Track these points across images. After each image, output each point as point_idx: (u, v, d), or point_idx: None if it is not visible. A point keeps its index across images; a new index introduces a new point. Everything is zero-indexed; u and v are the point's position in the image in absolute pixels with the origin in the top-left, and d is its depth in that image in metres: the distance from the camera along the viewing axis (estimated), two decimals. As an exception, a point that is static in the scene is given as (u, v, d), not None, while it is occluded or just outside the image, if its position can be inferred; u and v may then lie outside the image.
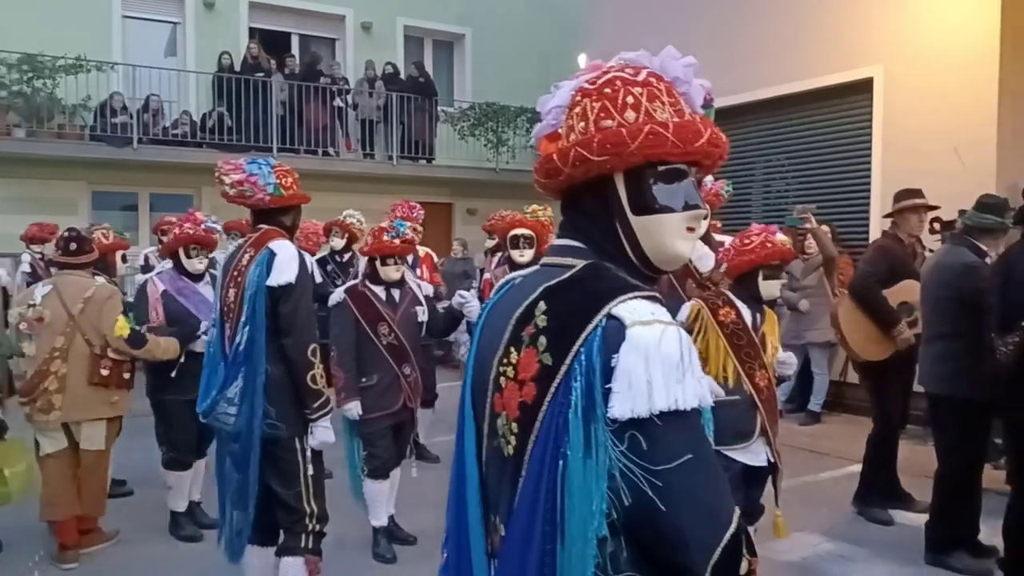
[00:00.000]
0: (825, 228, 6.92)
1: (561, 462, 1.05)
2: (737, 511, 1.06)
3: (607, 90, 1.17)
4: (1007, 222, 4.18)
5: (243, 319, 3.06)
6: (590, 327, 1.06)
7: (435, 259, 7.15)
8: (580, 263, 1.16)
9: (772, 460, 3.41)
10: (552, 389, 1.07)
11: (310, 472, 3.13)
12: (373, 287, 4.37)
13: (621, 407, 1.02)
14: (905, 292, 4.80)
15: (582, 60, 11.20)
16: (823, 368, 7.70)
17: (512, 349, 1.14)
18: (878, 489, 5.02)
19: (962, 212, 4.53)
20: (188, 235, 4.54)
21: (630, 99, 1.16)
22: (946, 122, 7.11)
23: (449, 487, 1.31)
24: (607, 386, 1.03)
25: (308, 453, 3.12)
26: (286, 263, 3.06)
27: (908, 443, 5.85)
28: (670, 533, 1.01)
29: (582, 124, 1.17)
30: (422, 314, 4.48)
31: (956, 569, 4.13)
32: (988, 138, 6.88)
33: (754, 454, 3.38)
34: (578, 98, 1.20)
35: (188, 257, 4.58)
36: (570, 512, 1.04)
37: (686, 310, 3.43)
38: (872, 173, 7.89)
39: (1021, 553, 3.67)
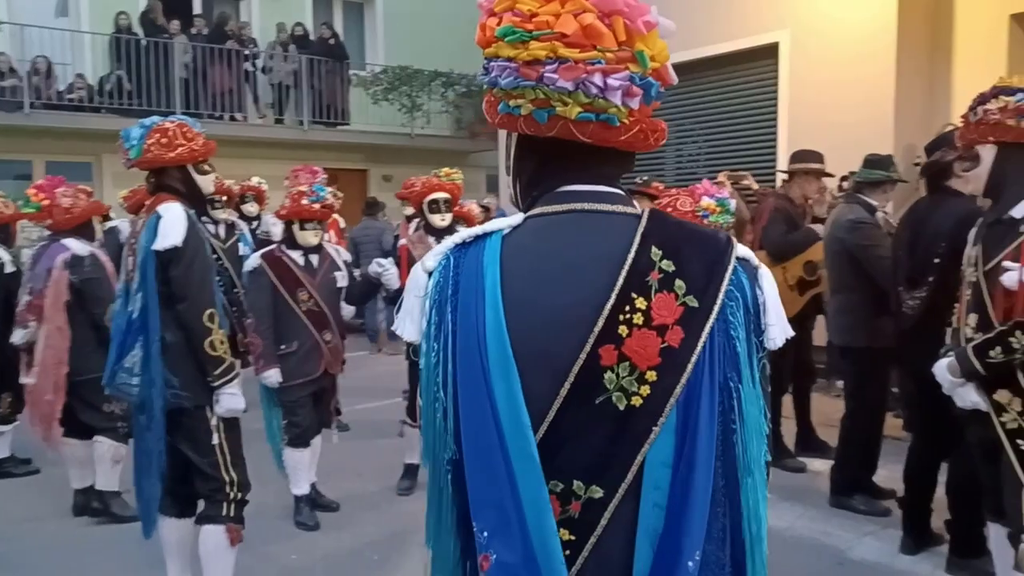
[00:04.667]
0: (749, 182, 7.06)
1: (735, 396, 1.10)
2: None
3: None
4: (892, 175, 4.39)
5: (135, 286, 2.96)
6: (730, 267, 1.11)
7: (342, 224, 7.07)
8: (634, 208, 1.17)
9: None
10: (707, 328, 1.08)
11: (221, 441, 3.04)
12: (291, 252, 4.28)
13: (777, 337, 1.14)
14: (810, 251, 5.00)
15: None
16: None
17: (636, 296, 1.08)
18: (800, 439, 5.34)
19: (852, 173, 4.76)
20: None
21: None
22: (848, 87, 7.37)
23: (474, 473, 1.12)
24: (762, 320, 1.13)
25: (216, 421, 3.03)
26: (171, 226, 2.91)
27: (818, 394, 6.11)
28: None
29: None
30: (341, 279, 4.42)
31: (858, 510, 4.38)
32: (887, 102, 7.16)
33: None
34: None
35: None
36: (752, 443, 1.11)
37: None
38: (778, 136, 8.12)
39: (919, 495, 3.91)
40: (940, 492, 3.79)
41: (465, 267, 1.16)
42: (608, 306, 1.08)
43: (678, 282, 1.09)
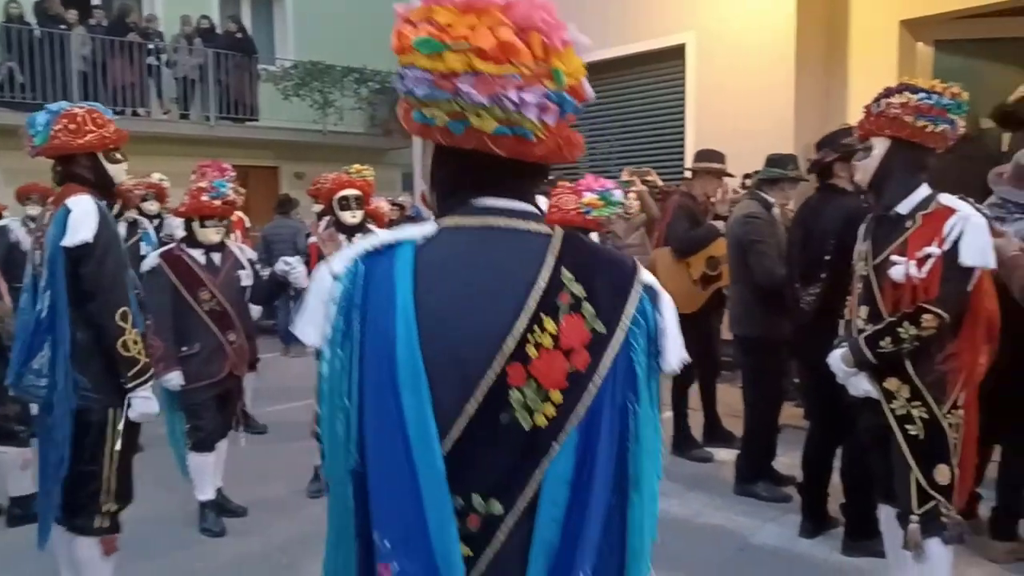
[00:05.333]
0: (654, 178, 7.21)
1: (632, 418, 1.14)
2: None
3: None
4: (788, 172, 4.55)
5: (43, 284, 2.81)
6: (635, 293, 1.15)
7: (247, 223, 6.91)
8: (546, 227, 1.19)
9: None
10: (611, 353, 1.12)
11: (118, 447, 2.90)
12: (191, 251, 4.14)
13: (673, 360, 1.18)
14: (712, 247, 5.14)
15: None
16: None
17: (545, 317, 1.10)
18: (707, 430, 5.47)
19: (756, 172, 4.93)
20: None
21: None
22: (750, 87, 7.62)
23: (378, 484, 1.13)
24: (659, 344, 1.17)
25: (121, 426, 2.90)
26: (80, 220, 2.77)
27: (726, 386, 6.29)
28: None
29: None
30: (246, 278, 4.30)
31: (760, 497, 4.53)
32: (787, 102, 7.44)
33: None
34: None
35: None
36: (643, 462, 1.15)
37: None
38: (686, 135, 8.33)
39: (816, 481, 4.07)
40: (837, 478, 3.95)
41: (376, 276, 1.14)
42: (519, 326, 1.10)
43: (587, 306, 1.12)
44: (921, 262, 2.68)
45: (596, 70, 9.17)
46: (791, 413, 5.12)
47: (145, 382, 2.92)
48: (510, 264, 1.14)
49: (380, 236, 1.20)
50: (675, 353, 1.18)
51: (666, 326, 1.17)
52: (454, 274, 1.14)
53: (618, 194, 3.46)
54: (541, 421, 1.10)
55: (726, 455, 5.14)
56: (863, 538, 3.70)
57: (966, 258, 2.63)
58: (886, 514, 3.06)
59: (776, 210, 4.55)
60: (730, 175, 5.41)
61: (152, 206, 6.47)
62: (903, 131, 2.75)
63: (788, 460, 4.63)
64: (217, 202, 4.11)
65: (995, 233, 3.24)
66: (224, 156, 9.69)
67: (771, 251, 4.30)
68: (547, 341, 1.10)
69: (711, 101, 8.00)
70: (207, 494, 4.23)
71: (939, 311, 2.66)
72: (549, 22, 1.08)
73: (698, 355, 5.34)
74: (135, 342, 2.88)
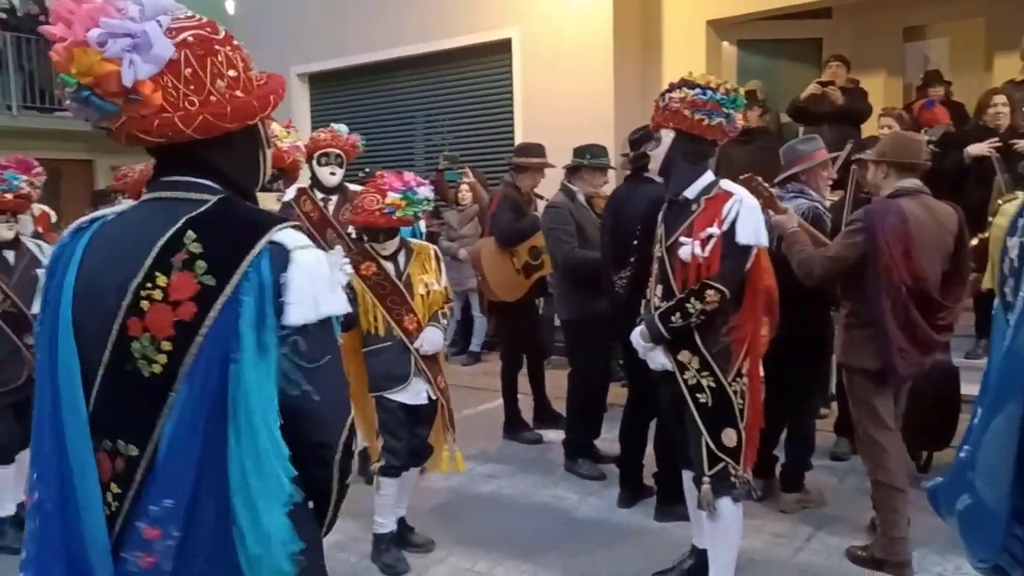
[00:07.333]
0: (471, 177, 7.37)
1: (233, 366, 1.20)
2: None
3: (212, 47, 1.29)
4: (584, 161, 4.77)
5: None
6: (255, 251, 1.23)
7: (52, 218, 6.51)
8: (212, 197, 1.31)
9: (433, 397, 3.62)
10: (218, 305, 1.22)
11: None
12: (-21, 250, 3.84)
13: (296, 315, 1.23)
14: (535, 238, 5.31)
15: (230, 5, 10.65)
16: (482, 312, 8.25)
17: (158, 274, 1.23)
18: (537, 412, 5.65)
19: None
20: None
21: (223, 58, 1.30)
22: (572, 81, 7.88)
23: (36, 428, 1.31)
24: (280, 299, 1.23)
25: None
26: None
27: (559, 372, 6.49)
28: (316, 415, 1.28)
29: (193, 87, 1.25)
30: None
31: (580, 474, 4.74)
32: (607, 97, 7.76)
33: (414, 393, 3.57)
34: (182, 53, 1.26)
35: None
36: (243, 408, 1.21)
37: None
38: (515, 127, 8.51)
39: (632, 453, 4.32)
40: (651, 449, 4.21)
41: (67, 249, 1.33)
42: (134, 283, 1.25)
43: (200, 263, 1.24)
44: (704, 242, 2.91)
45: (427, 62, 9.21)
46: (619, 393, 5.37)
47: None
48: (147, 230, 1.28)
49: (92, 214, 1.38)
50: (302, 308, 1.24)
51: (289, 282, 1.24)
52: (110, 241, 1.32)
53: (422, 191, 3.48)
54: (157, 369, 1.24)
55: (555, 436, 5.32)
56: (672, 503, 3.95)
57: (741, 237, 2.88)
58: (686, 478, 3.30)
59: (581, 197, 4.77)
60: (551, 166, 5.58)
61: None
62: (684, 123, 2.98)
63: (614, 437, 4.86)
64: (9, 196, 3.83)
65: (778, 210, 3.56)
66: (30, 149, 9.00)
67: (568, 236, 4.52)
68: (158, 295, 1.23)
69: (537, 95, 8.21)
70: (7, 510, 3.94)
71: (720, 286, 2.89)
72: (68, 32, 1.21)
73: (524, 340, 5.57)
74: None
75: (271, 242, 1.25)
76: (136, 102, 1.22)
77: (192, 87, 1.25)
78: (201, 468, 1.22)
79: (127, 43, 1.20)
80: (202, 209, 1.28)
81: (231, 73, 1.29)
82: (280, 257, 1.25)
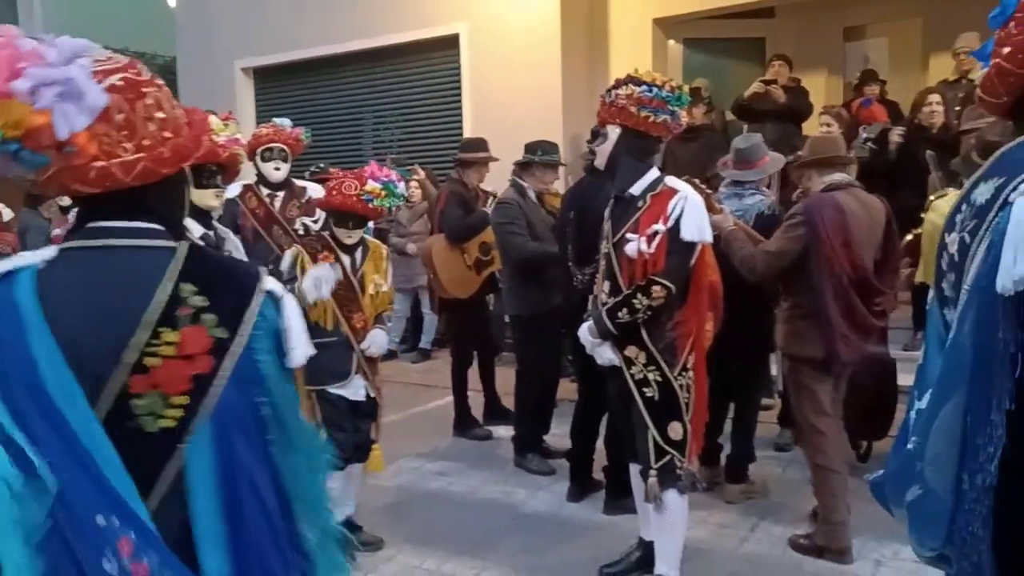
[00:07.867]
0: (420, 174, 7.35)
1: (265, 407, 1.27)
2: None
3: (140, 90, 1.26)
4: (535, 158, 4.78)
5: None
6: (256, 300, 1.29)
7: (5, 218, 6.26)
8: (172, 243, 1.30)
9: (371, 395, 3.60)
10: (234, 355, 1.25)
11: None
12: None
13: (299, 357, 1.34)
14: (485, 233, 5.31)
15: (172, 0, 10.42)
16: (432, 309, 8.21)
17: (164, 330, 1.22)
18: (487, 408, 5.65)
19: None
20: None
21: (152, 100, 1.27)
22: (520, 78, 7.89)
23: (73, 492, 1.14)
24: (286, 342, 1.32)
25: None
26: None
27: (504, 368, 6.51)
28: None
29: (125, 132, 1.22)
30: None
31: (530, 470, 4.77)
32: (555, 94, 7.78)
33: (354, 389, 3.56)
34: (112, 98, 1.21)
35: None
36: (294, 438, 1.30)
37: (288, 258, 3.49)
38: (464, 122, 8.49)
39: (582, 448, 4.35)
40: (601, 444, 4.25)
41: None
42: (138, 341, 1.21)
43: (207, 316, 1.25)
44: (650, 238, 2.95)
45: (375, 57, 9.14)
46: (568, 388, 5.39)
47: None
48: (131, 282, 1.25)
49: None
50: (300, 349, 1.34)
51: (289, 326, 1.33)
52: (80, 294, 1.23)
53: (401, 187, 3.52)
54: (167, 424, 1.22)
55: (504, 431, 5.33)
56: (620, 497, 3.99)
57: (686, 233, 2.93)
58: (633, 471, 3.34)
59: (531, 193, 4.79)
60: (495, 159, 5.58)
61: None
62: (630, 120, 3.01)
63: (563, 432, 4.89)
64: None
65: (714, 210, 3.62)
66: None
67: (520, 231, 4.54)
68: (168, 351, 1.22)
69: (486, 91, 8.20)
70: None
71: (666, 282, 2.93)
72: None
73: (475, 337, 5.57)
74: None
75: (266, 291, 1.32)
76: (70, 153, 1.16)
77: (125, 133, 1.22)
78: (262, 505, 1.26)
79: (56, 91, 1.13)
80: (184, 260, 1.28)
81: (159, 115, 1.27)
82: (277, 304, 1.33)
